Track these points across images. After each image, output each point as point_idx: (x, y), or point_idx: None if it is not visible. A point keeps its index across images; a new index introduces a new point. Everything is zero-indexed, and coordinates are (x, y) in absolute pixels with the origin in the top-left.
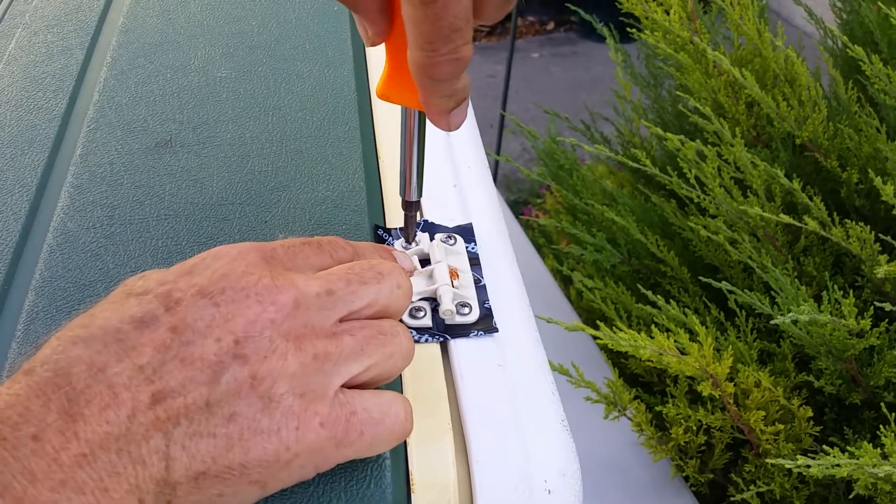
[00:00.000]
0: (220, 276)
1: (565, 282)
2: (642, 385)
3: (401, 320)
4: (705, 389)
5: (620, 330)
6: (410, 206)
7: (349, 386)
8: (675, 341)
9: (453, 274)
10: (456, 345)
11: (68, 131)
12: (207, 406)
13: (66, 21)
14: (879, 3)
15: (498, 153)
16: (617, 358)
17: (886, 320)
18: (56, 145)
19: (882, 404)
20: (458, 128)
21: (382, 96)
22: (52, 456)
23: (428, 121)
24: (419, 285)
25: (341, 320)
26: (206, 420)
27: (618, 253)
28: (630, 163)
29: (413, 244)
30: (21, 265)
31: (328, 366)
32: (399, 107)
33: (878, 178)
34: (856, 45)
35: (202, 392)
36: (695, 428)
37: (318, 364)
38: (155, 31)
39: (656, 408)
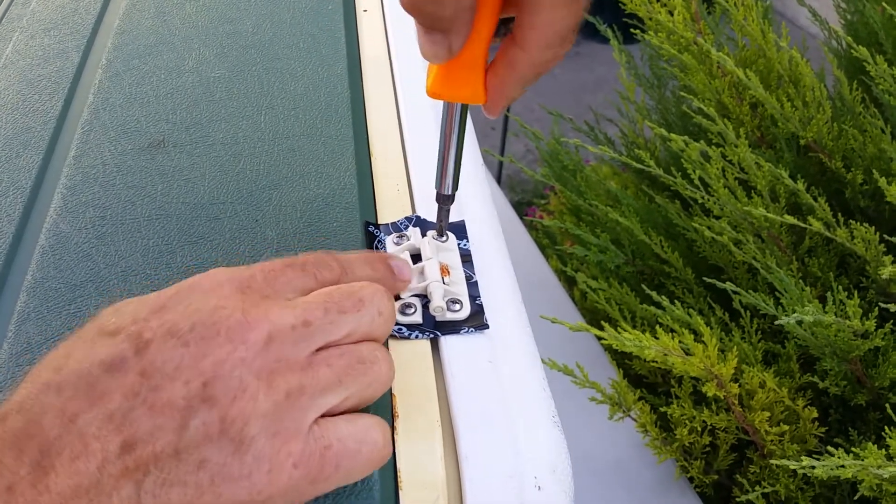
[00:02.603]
0: (191, 311)
1: (569, 282)
2: (647, 386)
3: None
4: (710, 390)
5: (625, 330)
6: (445, 200)
7: (326, 416)
8: (680, 342)
9: (444, 270)
10: (446, 341)
11: (63, 133)
12: (177, 453)
13: (63, 24)
14: (884, 4)
15: (502, 154)
16: (621, 359)
17: (891, 321)
18: (51, 147)
19: (887, 405)
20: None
21: (434, 95)
22: None
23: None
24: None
25: (319, 349)
26: (176, 467)
27: (622, 254)
28: (634, 164)
29: (442, 238)
30: (13, 267)
31: (303, 401)
32: (390, 108)
33: (883, 178)
34: (860, 46)
35: (171, 439)
36: (699, 429)
37: (292, 400)
38: (150, 33)
39: (661, 408)
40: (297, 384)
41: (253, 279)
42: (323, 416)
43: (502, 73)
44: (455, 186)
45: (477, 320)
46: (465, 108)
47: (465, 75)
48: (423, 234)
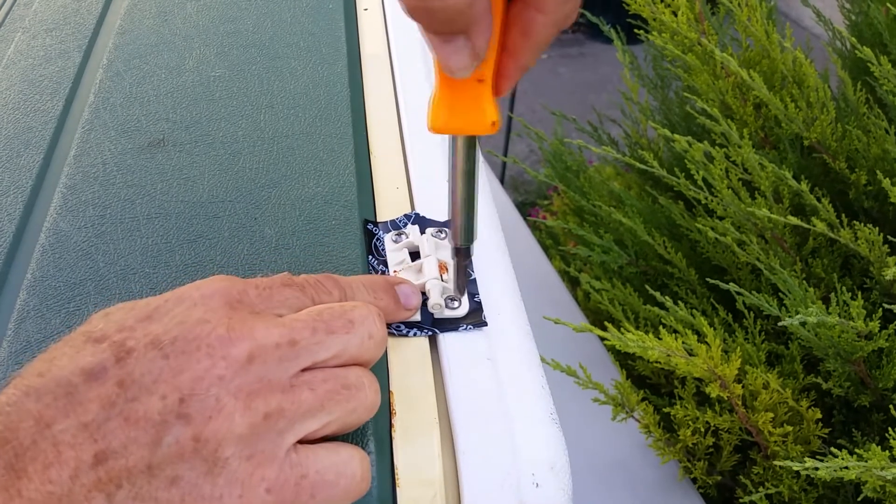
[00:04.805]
0: (175, 322)
1: (573, 283)
2: (650, 387)
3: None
4: (713, 391)
5: (628, 331)
6: (459, 253)
7: (305, 441)
8: (683, 343)
9: (442, 268)
10: (445, 339)
11: (64, 132)
12: (149, 469)
13: (65, 24)
14: (888, 5)
15: (505, 154)
16: (624, 359)
17: (895, 322)
18: (51, 146)
19: (891, 406)
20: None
21: (436, 130)
22: None
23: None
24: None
25: (304, 370)
26: (148, 483)
27: (625, 254)
28: (637, 164)
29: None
30: (14, 265)
31: (281, 423)
32: (390, 107)
33: (887, 179)
34: (864, 47)
35: (143, 454)
36: (703, 430)
37: (270, 423)
38: (151, 33)
39: (664, 409)
40: (276, 406)
41: (245, 294)
42: (302, 441)
43: (515, 45)
44: (470, 237)
45: (475, 318)
46: (473, 140)
47: (474, 95)
48: (422, 232)
